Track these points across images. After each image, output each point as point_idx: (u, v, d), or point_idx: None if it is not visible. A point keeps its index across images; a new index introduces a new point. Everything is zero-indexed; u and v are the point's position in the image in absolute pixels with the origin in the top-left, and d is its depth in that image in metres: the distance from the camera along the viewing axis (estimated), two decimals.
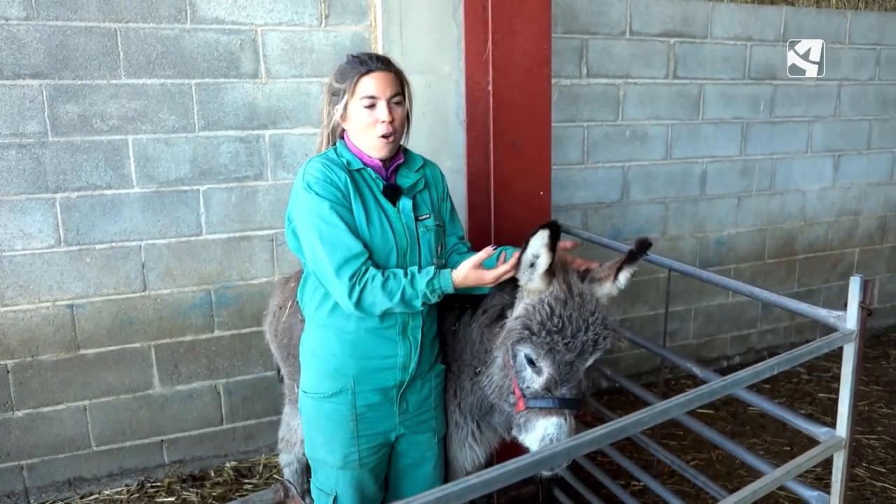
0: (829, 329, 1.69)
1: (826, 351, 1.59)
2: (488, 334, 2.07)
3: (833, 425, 1.82)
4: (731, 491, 2.26)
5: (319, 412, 2.07)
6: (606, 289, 1.90)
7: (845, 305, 1.69)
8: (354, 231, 1.91)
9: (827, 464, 1.89)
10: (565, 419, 1.76)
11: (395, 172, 2.07)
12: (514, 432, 1.91)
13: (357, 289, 1.87)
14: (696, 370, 2.23)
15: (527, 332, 1.81)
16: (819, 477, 3.21)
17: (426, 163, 2.17)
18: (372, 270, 1.89)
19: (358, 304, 1.88)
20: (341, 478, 2.08)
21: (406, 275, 1.90)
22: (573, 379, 1.80)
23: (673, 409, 1.25)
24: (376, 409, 2.06)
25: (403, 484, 2.21)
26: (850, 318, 1.66)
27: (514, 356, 1.87)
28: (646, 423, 1.21)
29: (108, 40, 2.96)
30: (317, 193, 1.91)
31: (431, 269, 1.93)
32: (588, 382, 1.88)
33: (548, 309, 1.80)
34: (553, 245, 1.78)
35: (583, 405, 1.83)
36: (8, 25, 2.82)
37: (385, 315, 1.97)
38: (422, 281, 1.89)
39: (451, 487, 0.97)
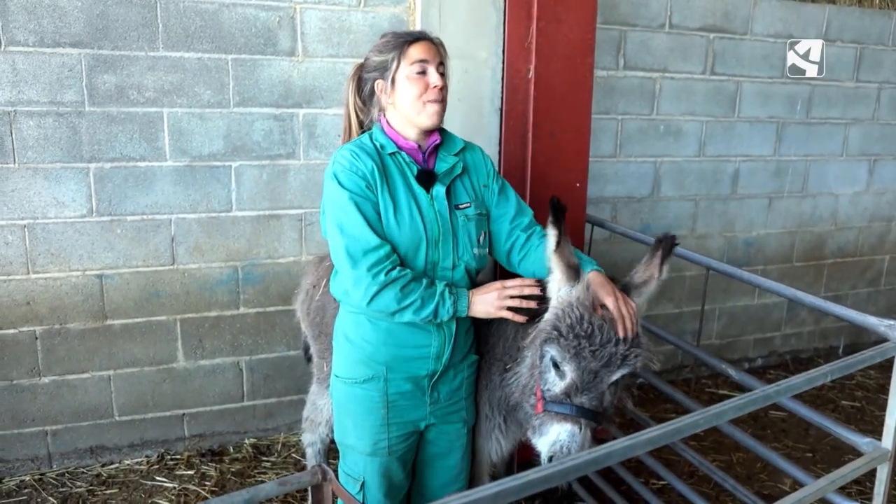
0: (857, 334, 1.65)
1: (879, 360, 1.55)
2: (522, 332, 2.03)
3: (860, 434, 1.79)
4: (756, 494, 2.24)
5: (350, 397, 2.06)
6: (652, 288, 1.87)
7: None
8: (374, 225, 1.88)
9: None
10: (580, 429, 1.71)
11: (433, 155, 2.03)
12: (528, 433, 1.88)
13: (380, 280, 1.84)
14: (732, 372, 2.20)
15: (555, 332, 1.77)
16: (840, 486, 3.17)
17: (467, 146, 2.12)
18: (399, 269, 1.87)
19: (373, 298, 1.85)
20: (370, 464, 2.07)
21: (426, 279, 1.92)
22: (595, 389, 1.75)
23: (728, 412, 1.23)
24: (408, 397, 2.04)
25: (430, 472, 2.20)
26: None
27: (542, 357, 1.84)
28: (700, 425, 1.19)
29: (148, 12, 2.95)
30: (339, 183, 1.89)
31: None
32: (612, 398, 1.83)
33: (578, 312, 1.77)
34: (556, 220, 1.80)
35: (602, 419, 1.78)
36: None
37: None
38: (440, 283, 1.91)
39: (509, 482, 0.95)
